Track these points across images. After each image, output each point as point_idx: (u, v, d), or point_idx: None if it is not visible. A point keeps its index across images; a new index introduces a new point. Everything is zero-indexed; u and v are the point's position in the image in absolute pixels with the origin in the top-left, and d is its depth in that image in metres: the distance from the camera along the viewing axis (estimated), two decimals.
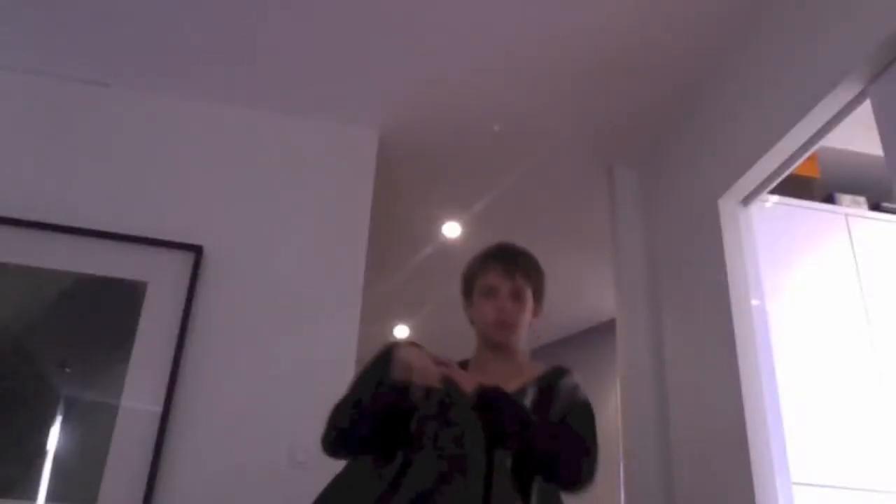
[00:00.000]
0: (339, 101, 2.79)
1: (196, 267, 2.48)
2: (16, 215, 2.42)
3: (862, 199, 2.57)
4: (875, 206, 2.58)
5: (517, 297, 1.55)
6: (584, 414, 1.50)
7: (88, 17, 2.43)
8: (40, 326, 2.37)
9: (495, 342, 1.55)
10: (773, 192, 2.36)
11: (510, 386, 1.43)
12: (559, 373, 1.54)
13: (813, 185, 2.60)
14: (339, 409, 1.43)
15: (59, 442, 2.26)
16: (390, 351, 1.45)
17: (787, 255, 2.35)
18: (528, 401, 1.44)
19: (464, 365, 1.55)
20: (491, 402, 1.35)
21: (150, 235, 2.50)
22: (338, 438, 1.41)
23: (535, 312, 1.61)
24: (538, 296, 1.61)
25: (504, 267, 1.56)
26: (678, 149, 2.76)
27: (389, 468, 1.33)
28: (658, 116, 2.77)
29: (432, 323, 4.02)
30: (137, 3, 2.38)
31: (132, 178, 2.62)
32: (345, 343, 2.51)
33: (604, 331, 4.34)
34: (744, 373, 2.14)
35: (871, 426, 2.13)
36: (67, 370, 2.38)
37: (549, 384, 1.49)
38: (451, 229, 3.59)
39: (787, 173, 2.24)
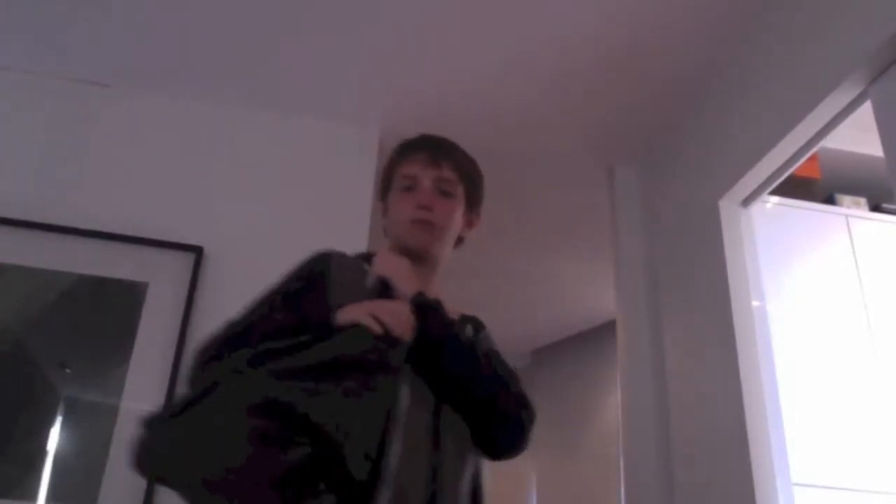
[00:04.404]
0: (340, 100, 2.79)
1: (196, 267, 2.48)
2: (16, 215, 2.42)
3: (862, 200, 2.57)
4: (875, 207, 2.58)
5: (444, 191, 1.22)
6: (510, 369, 1.16)
7: (88, 17, 2.43)
8: (40, 326, 2.37)
9: (411, 247, 1.19)
10: (773, 192, 2.36)
11: None
12: (477, 321, 1.25)
13: (813, 186, 2.60)
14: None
15: (59, 442, 2.26)
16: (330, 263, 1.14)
17: (788, 256, 2.35)
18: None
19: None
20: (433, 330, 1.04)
21: (150, 236, 2.50)
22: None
23: (470, 222, 1.28)
24: (474, 199, 1.28)
25: (429, 153, 1.23)
26: (678, 149, 2.76)
27: None
28: (658, 117, 2.77)
29: None
30: (138, 3, 2.38)
31: (132, 179, 2.62)
32: None
33: (604, 331, 4.35)
34: (744, 373, 2.14)
35: (871, 427, 2.14)
36: (67, 370, 2.38)
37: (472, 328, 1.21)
38: None
39: (787, 174, 2.24)
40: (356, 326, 0.97)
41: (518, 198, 3.32)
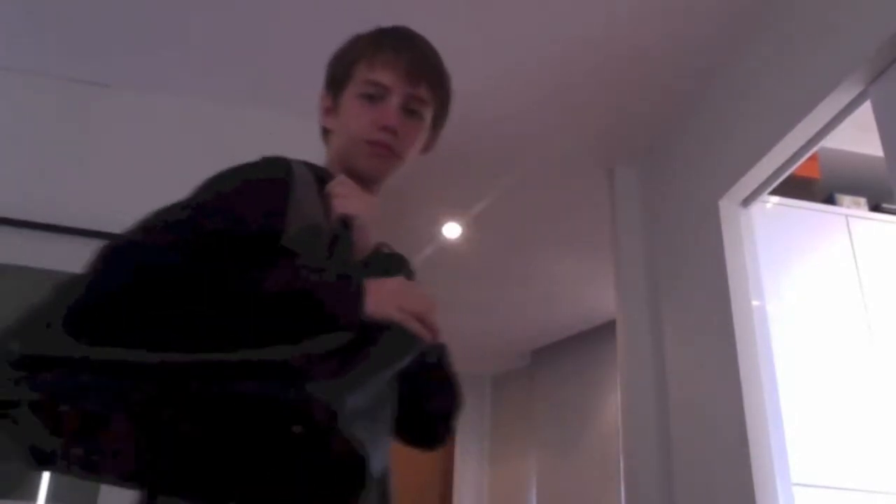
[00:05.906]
0: None
1: None
2: (16, 215, 2.42)
3: (862, 200, 2.57)
4: (875, 207, 2.59)
5: (412, 111, 1.00)
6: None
7: (88, 17, 2.43)
8: None
9: (361, 171, 0.99)
10: (773, 192, 2.36)
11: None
12: (404, 261, 1.00)
13: (813, 186, 2.60)
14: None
15: None
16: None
17: (788, 256, 2.35)
18: None
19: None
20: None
21: None
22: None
23: (427, 146, 1.09)
24: (439, 123, 1.09)
25: (409, 63, 1.01)
26: (678, 149, 2.76)
27: None
28: (658, 117, 2.77)
29: None
30: (138, 3, 2.38)
31: (132, 178, 2.62)
32: None
33: (604, 331, 4.35)
34: (744, 373, 2.14)
35: (871, 427, 2.14)
36: None
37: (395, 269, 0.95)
38: (451, 230, 3.59)
39: (787, 174, 2.24)
40: (398, 328, 0.77)
41: (518, 198, 3.32)
